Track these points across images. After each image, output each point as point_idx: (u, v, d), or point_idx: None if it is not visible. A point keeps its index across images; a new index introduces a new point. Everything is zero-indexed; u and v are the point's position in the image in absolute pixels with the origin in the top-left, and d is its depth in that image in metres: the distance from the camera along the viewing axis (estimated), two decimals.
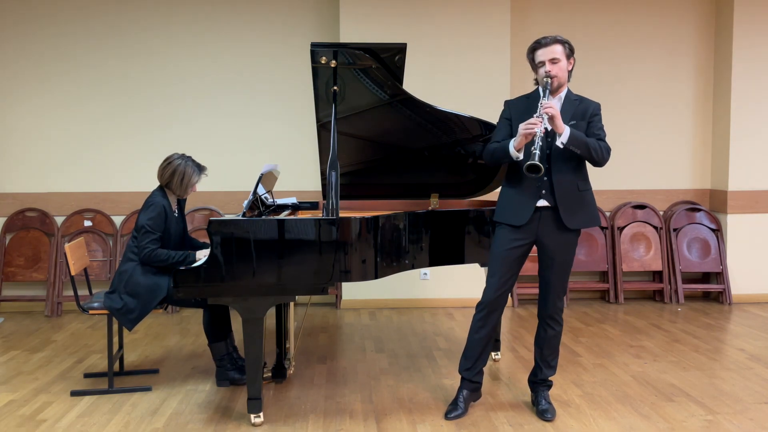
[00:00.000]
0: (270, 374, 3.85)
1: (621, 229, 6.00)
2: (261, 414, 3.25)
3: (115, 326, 3.90)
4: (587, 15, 5.99)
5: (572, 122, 3.17)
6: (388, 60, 3.66)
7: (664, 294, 5.93)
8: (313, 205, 4.43)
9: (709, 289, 5.97)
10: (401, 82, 3.79)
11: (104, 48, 5.72)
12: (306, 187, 5.74)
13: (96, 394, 3.65)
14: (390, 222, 3.39)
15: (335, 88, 3.63)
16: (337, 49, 3.54)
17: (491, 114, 3.51)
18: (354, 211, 3.98)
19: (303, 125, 5.76)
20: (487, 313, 3.29)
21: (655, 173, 6.13)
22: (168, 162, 3.73)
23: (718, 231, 5.97)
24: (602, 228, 6.00)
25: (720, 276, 5.93)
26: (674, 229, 6.01)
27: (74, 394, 3.65)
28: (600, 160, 3.17)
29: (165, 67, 5.76)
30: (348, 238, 3.19)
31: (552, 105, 3.06)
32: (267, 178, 3.85)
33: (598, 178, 6.05)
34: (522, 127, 3.07)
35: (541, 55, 3.16)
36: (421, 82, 5.40)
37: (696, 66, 6.09)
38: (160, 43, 5.75)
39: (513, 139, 3.17)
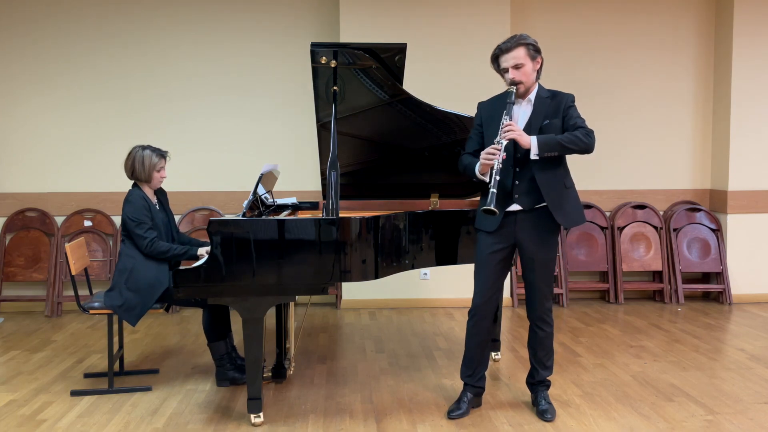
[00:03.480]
0: (270, 374, 3.85)
1: (621, 229, 6.00)
2: (261, 414, 3.25)
3: (115, 326, 3.90)
4: (587, 15, 5.99)
5: (545, 122, 3.14)
6: (388, 60, 3.67)
7: (664, 294, 5.93)
8: (313, 205, 4.43)
9: (709, 289, 5.97)
10: (401, 82, 3.79)
11: (104, 48, 5.72)
12: (306, 187, 5.73)
13: (96, 394, 3.65)
14: (390, 222, 3.39)
15: (335, 88, 3.63)
16: (337, 49, 3.54)
17: None
18: (354, 211, 3.98)
19: (303, 125, 5.76)
20: (478, 319, 3.29)
21: (655, 173, 6.13)
22: (127, 155, 3.79)
23: (718, 231, 5.97)
24: (602, 228, 6.00)
25: (720, 276, 5.92)
26: (674, 229, 6.01)
27: (74, 394, 3.65)
28: (585, 148, 3.08)
29: (165, 67, 5.76)
30: (348, 238, 3.19)
31: (512, 126, 3.04)
32: (267, 178, 3.85)
33: (598, 177, 6.08)
34: (482, 156, 3.09)
35: (504, 61, 3.13)
36: (421, 82, 5.40)
37: (696, 66, 6.09)
38: (160, 44, 5.75)
39: (478, 163, 3.16)
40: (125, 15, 5.71)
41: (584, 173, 6.07)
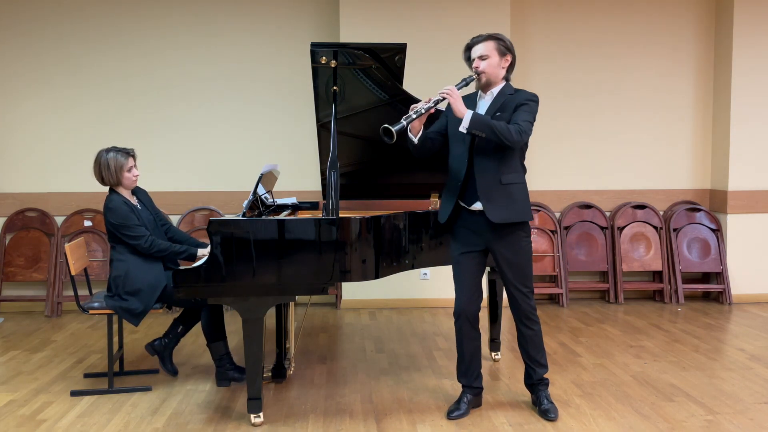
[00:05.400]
0: (270, 374, 3.85)
1: (621, 229, 6.00)
2: (261, 414, 3.25)
3: (115, 326, 3.90)
4: (587, 15, 5.98)
5: (497, 114, 3.15)
6: (388, 60, 3.67)
7: (664, 294, 5.93)
8: (313, 205, 4.43)
9: (709, 289, 5.97)
10: (401, 82, 3.79)
11: (104, 48, 5.72)
12: (306, 187, 5.73)
13: (96, 394, 3.65)
14: (390, 222, 3.39)
15: (335, 88, 3.63)
16: (337, 49, 3.54)
17: None
18: (354, 211, 3.98)
19: (303, 125, 5.76)
20: (462, 323, 3.30)
21: (655, 173, 6.13)
22: (94, 161, 3.71)
23: (718, 231, 5.97)
24: (602, 228, 6.00)
25: (720, 276, 5.92)
26: (674, 229, 6.01)
27: (74, 394, 3.65)
28: (506, 139, 3.02)
29: (165, 67, 5.76)
30: (348, 238, 3.19)
31: (451, 89, 3.06)
32: (267, 178, 3.84)
33: (598, 177, 6.08)
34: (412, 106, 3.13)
35: (473, 52, 3.20)
36: (421, 82, 5.39)
37: (696, 66, 6.09)
38: (159, 44, 5.75)
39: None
40: (125, 15, 5.71)
41: (584, 173, 6.07)
